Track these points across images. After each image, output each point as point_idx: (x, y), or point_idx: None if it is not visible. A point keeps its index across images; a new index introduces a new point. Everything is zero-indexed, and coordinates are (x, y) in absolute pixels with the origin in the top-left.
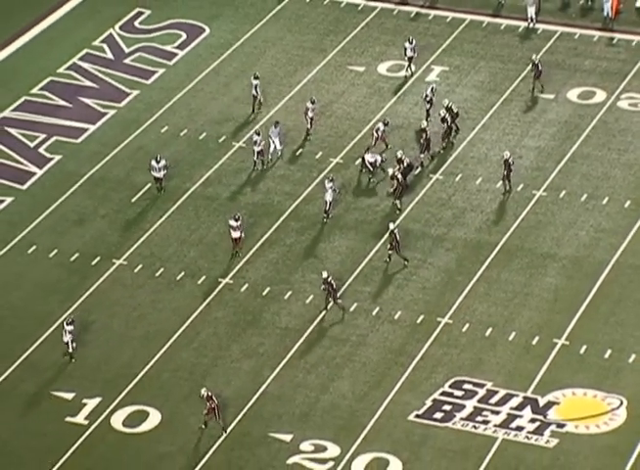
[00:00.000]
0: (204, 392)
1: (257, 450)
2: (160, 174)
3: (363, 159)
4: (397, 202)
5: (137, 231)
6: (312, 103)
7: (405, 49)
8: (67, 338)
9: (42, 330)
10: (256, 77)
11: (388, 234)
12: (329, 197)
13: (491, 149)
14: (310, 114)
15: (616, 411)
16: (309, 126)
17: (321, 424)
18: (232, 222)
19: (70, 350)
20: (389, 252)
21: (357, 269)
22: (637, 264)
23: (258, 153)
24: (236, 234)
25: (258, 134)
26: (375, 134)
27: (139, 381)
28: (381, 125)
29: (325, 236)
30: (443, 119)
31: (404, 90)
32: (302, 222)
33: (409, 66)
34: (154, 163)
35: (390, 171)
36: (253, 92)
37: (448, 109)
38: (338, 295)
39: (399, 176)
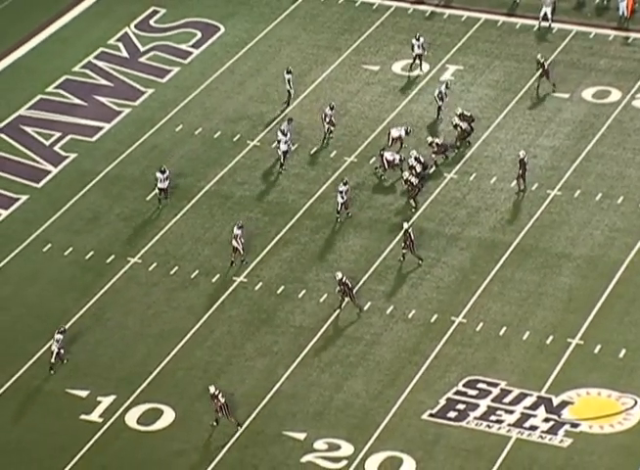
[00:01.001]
0: (211, 390)
1: (271, 449)
2: (165, 185)
3: (382, 156)
4: (412, 201)
5: (152, 229)
6: (331, 109)
7: (413, 46)
8: (55, 347)
9: (57, 328)
10: (289, 71)
11: (402, 233)
12: (340, 199)
13: (506, 148)
14: (328, 119)
15: (630, 411)
16: (326, 131)
17: (335, 423)
18: (236, 230)
19: (53, 360)
20: (404, 251)
21: (371, 268)
22: None
23: (284, 152)
24: (235, 243)
25: (285, 134)
26: (393, 136)
27: (153, 379)
28: (403, 133)
29: (339, 235)
30: (456, 126)
31: (419, 89)
32: (317, 221)
33: (420, 63)
34: (159, 174)
35: (405, 175)
36: (287, 87)
37: (461, 115)
38: (354, 293)
39: (413, 180)
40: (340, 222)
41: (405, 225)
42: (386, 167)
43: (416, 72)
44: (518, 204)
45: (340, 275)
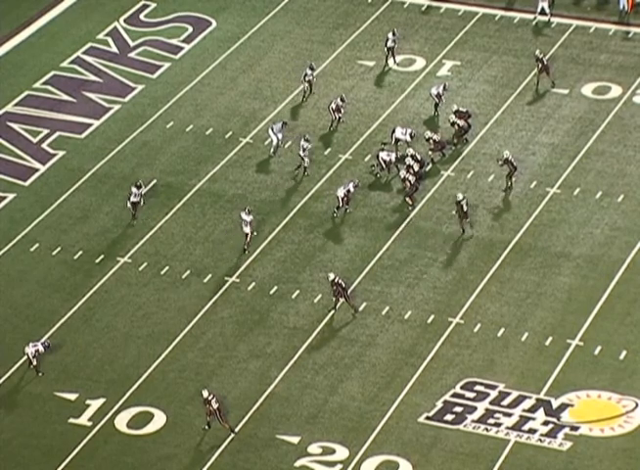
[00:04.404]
0: (204, 394)
1: (264, 453)
2: (138, 199)
3: (377, 156)
4: (408, 199)
5: (142, 228)
6: (342, 101)
7: (387, 39)
8: (30, 350)
9: (45, 329)
10: (312, 68)
11: (455, 204)
12: (340, 194)
13: (504, 145)
14: (339, 109)
15: (631, 414)
16: (336, 121)
17: (329, 426)
18: (244, 216)
19: (35, 363)
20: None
21: (367, 268)
22: None
23: (304, 159)
24: (246, 229)
25: (307, 141)
26: (397, 137)
27: (144, 381)
28: (408, 137)
29: (334, 234)
30: (453, 124)
31: (415, 85)
32: (311, 220)
33: (392, 56)
34: (134, 189)
35: (402, 174)
36: (303, 81)
37: (457, 112)
38: (349, 294)
39: (410, 178)
40: (336, 218)
41: (459, 196)
42: (383, 167)
43: (413, 68)
44: (516, 202)
45: (332, 276)
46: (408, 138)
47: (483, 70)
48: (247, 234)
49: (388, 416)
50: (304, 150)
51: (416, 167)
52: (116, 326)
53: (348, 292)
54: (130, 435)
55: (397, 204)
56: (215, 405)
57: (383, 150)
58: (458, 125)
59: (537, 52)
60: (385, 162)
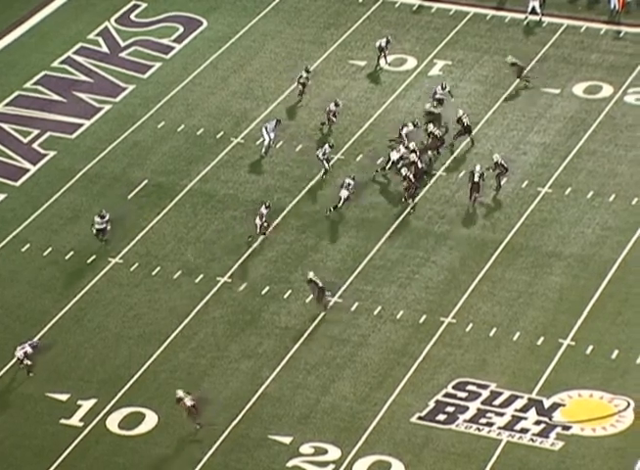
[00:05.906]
0: (178, 394)
1: (256, 453)
2: (103, 226)
3: (389, 158)
4: (410, 200)
5: (133, 229)
6: (336, 105)
7: (380, 42)
8: (19, 354)
9: (36, 329)
10: (307, 70)
11: (469, 178)
12: (344, 194)
13: (496, 145)
14: (332, 114)
15: (622, 413)
16: (329, 125)
17: (321, 426)
18: (262, 209)
19: (28, 362)
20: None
21: (358, 268)
22: None
23: (327, 160)
24: (257, 221)
25: (332, 146)
26: (401, 137)
27: (135, 382)
28: (411, 126)
29: (325, 234)
30: (459, 120)
31: (406, 85)
32: (303, 220)
33: (384, 56)
34: (97, 218)
35: (403, 172)
36: (302, 82)
37: (459, 120)
38: (325, 293)
39: (411, 177)
40: (328, 217)
41: (477, 168)
42: (389, 166)
43: (404, 67)
44: (507, 202)
45: (311, 275)
46: (412, 127)
47: (475, 69)
48: (256, 224)
49: (380, 416)
50: (324, 153)
51: (420, 165)
52: (108, 327)
53: (326, 292)
54: (122, 435)
55: (390, 204)
56: (189, 403)
57: (392, 149)
58: (463, 124)
59: (508, 58)
60: (393, 161)
